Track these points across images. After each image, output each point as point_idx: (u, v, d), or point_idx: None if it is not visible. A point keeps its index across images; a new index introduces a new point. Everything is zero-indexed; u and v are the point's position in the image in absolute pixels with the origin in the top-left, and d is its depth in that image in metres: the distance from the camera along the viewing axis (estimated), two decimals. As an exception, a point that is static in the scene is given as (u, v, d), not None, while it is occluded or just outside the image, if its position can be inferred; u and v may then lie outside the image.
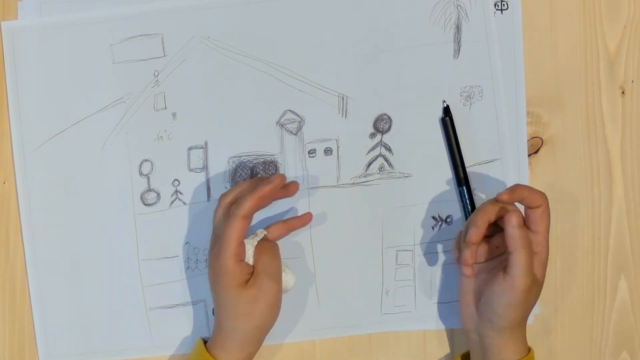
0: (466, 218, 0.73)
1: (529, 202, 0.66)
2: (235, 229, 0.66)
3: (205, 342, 0.70)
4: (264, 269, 0.67)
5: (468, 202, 0.73)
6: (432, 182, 0.74)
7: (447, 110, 0.73)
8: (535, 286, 0.66)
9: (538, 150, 0.74)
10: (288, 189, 0.71)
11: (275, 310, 0.68)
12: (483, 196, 0.73)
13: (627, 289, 0.74)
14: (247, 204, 0.66)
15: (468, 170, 0.73)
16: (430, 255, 0.74)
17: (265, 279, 0.67)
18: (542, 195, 0.66)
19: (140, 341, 0.74)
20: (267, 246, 0.68)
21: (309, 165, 0.74)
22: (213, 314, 0.74)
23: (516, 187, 0.66)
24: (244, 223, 0.66)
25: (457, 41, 0.74)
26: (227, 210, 0.67)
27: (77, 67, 0.74)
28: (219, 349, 0.68)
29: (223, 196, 0.69)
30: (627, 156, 0.74)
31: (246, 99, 0.74)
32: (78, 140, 0.74)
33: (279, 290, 0.68)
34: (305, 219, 0.72)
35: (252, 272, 0.68)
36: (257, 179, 0.71)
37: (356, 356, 0.74)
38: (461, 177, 0.73)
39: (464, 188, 0.73)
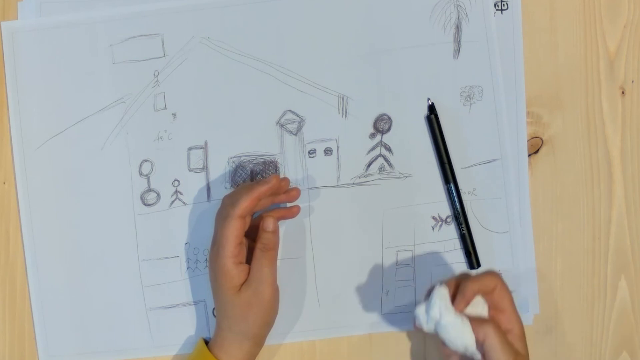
0: (455, 216, 0.73)
1: (483, 290, 0.64)
2: (231, 228, 0.66)
3: (206, 342, 0.70)
4: (259, 274, 0.67)
5: (456, 199, 0.73)
6: (432, 182, 0.74)
7: (432, 108, 0.73)
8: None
9: (538, 150, 0.74)
10: (289, 194, 0.71)
11: (270, 315, 0.68)
12: (481, 197, 0.74)
13: (627, 289, 0.74)
14: (243, 204, 0.66)
15: (468, 170, 0.74)
16: (430, 255, 0.74)
17: (259, 284, 0.67)
18: (491, 276, 0.64)
19: (140, 341, 0.74)
20: (264, 251, 0.68)
21: (309, 165, 0.74)
22: (214, 314, 0.74)
23: (465, 288, 0.62)
24: (241, 223, 0.66)
25: (457, 41, 0.74)
26: (224, 211, 0.67)
27: (77, 67, 0.74)
28: (219, 349, 0.68)
29: (225, 198, 0.69)
30: (627, 156, 0.74)
31: (246, 99, 0.74)
32: (78, 140, 0.74)
33: (273, 295, 0.67)
34: (292, 211, 0.72)
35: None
36: (256, 181, 0.71)
37: (356, 356, 0.74)
38: (448, 175, 0.73)
39: (452, 185, 0.73)
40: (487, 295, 0.64)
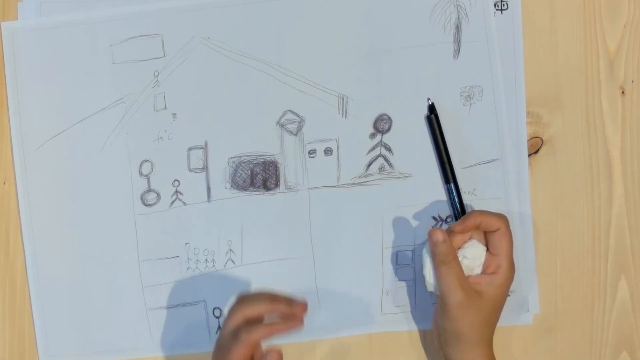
0: (455, 216, 0.73)
1: (486, 227, 0.67)
2: (239, 354, 0.63)
3: None
4: None
5: (456, 199, 0.73)
6: (432, 182, 0.74)
7: (432, 108, 0.73)
8: (475, 303, 0.65)
9: (538, 150, 0.74)
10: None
11: None
12: (481, 197, 0.74)
13: (627, 289, 0.74)
14: (257, 336, 0.63)
15: (468, 170, 0.74)
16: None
17: None
18: (500, 218, 0.67)
19: (140, 341, 0.74)
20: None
21: (309, 165, 0.74)
22: (214, 314, 0.74)
23: (469, 215, 0.67)
24: (249, 349, 0.63)
25: (457, 41, 0.74)
26: (238, 330, 0.64)
27: (77, 67, 0.74)
28: None
29: (241, 304, 0.65)
30: (627, 156, 0.74)
31: (246, 99, 0.74)
32: (78, 141, 0.74)
33: None
34: (292, 325, 0.66)
35: None
36: (282, 299, 0.66)
37: (356, 356, 0.74)
38: (448, 175, 0.73)
39: (452, 185, 0.73)
40: (488, 234, 0.67)
